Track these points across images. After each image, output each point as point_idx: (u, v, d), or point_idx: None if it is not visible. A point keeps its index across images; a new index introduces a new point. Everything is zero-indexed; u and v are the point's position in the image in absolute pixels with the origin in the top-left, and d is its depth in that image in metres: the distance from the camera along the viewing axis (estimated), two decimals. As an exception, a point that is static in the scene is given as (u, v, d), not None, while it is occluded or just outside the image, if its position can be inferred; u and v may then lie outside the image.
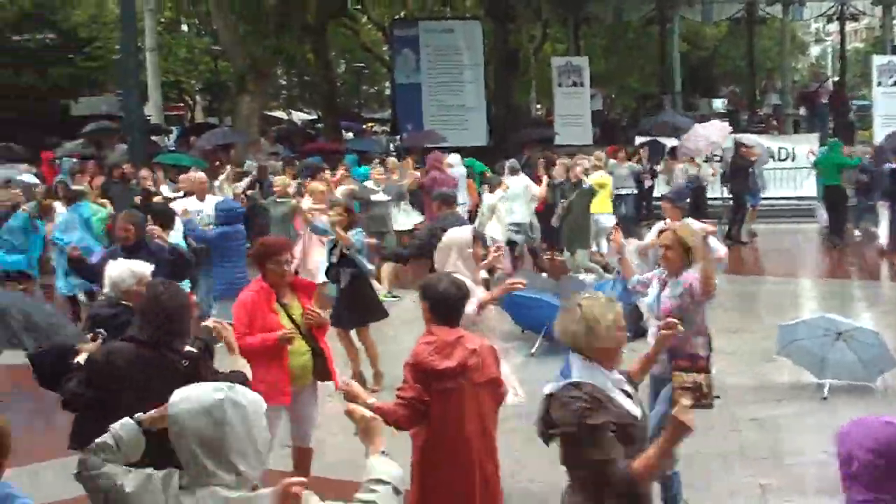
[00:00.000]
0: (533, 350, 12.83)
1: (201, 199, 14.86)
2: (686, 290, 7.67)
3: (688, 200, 16.91)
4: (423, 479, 6.12)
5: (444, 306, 6.20)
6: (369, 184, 17.66)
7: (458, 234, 8.12)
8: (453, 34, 30.58)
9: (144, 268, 7.44)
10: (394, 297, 16.00)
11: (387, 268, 16.52)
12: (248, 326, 7.44)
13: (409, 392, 5.97)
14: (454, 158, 19.98)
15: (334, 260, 11.72)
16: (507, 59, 34.56)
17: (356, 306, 11.53)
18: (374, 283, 13.50)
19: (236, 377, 5.48)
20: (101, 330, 6.65)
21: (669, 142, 24.27)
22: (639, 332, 8.70)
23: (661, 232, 9.72)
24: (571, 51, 34.57)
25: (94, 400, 5.93)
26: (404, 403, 5.95)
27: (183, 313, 5.99)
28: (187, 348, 5.96)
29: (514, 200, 17.57)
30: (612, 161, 21.62)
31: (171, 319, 5.89)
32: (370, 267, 12.25)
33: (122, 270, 7.37)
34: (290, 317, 7.67)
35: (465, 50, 30.44)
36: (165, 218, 12.02)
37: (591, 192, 17.41)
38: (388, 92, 51.58)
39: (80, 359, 6.22)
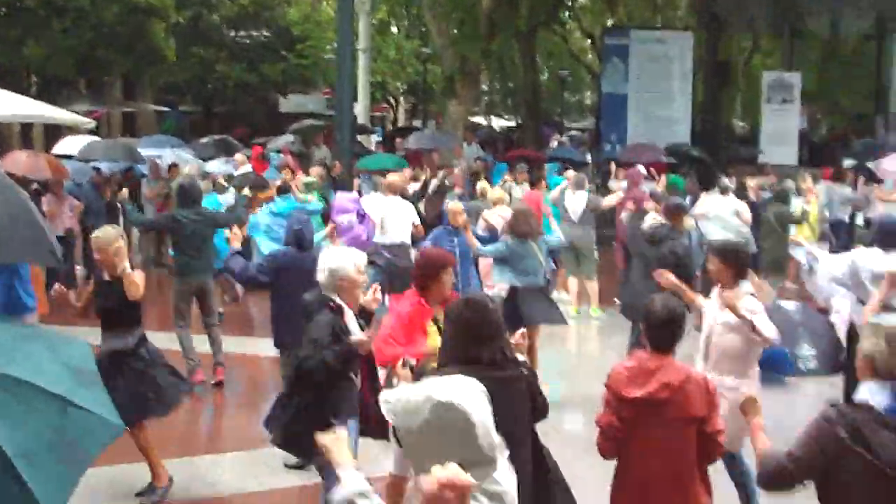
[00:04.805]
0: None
1: None
2: None
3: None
4: None
5: (654, 329, 5.77)
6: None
7: None
8: (665, 44, 29.96)
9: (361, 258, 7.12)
10: None
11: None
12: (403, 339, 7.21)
13: (604, 418, 5.70)
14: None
15: None
16: (718, 71, 33.73)
17: None
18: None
19: None
20: None
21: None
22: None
23: None
24: (784, 65, 33.46)
25: None
26: (600, 430, 5.70)
27: None
28: None
29: (718, 222, 15.90)
30: (827, 184, 19.99)
31: None
32: None
33: (344, 259, 6.99)
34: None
35: (675, 60, 29.73)
36: None
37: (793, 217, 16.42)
38: (588, 101, 51.29)
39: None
